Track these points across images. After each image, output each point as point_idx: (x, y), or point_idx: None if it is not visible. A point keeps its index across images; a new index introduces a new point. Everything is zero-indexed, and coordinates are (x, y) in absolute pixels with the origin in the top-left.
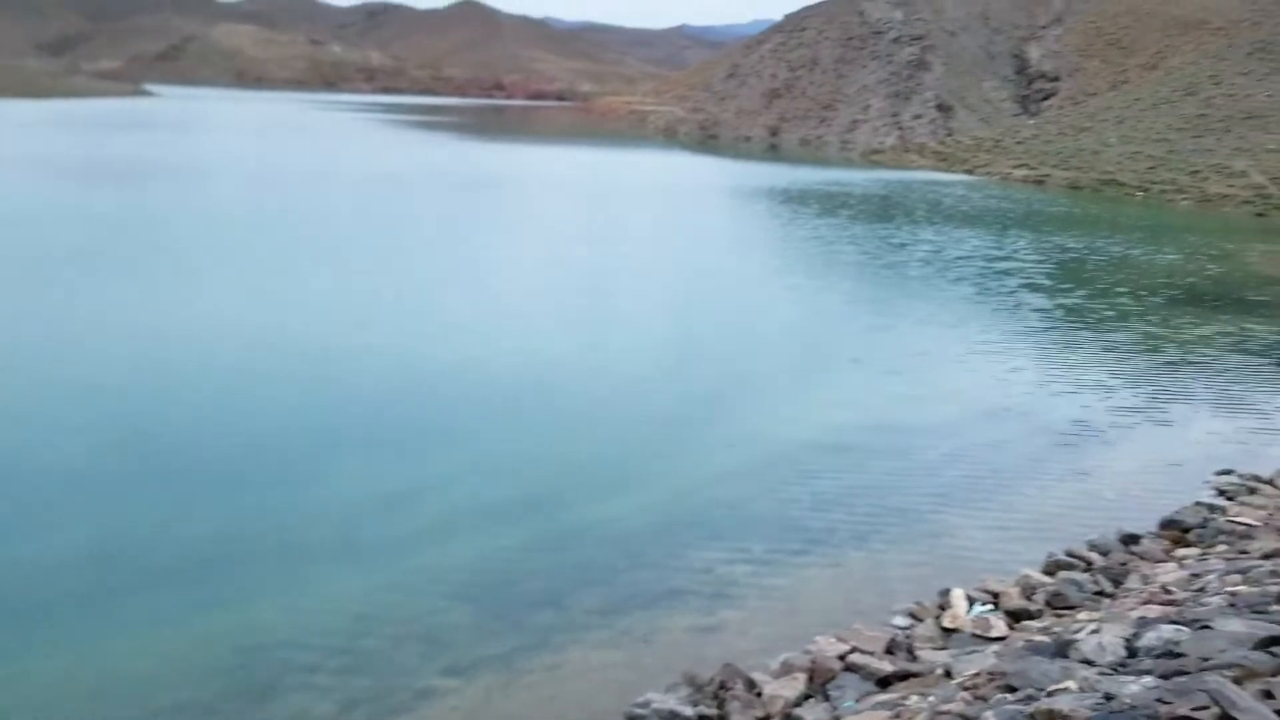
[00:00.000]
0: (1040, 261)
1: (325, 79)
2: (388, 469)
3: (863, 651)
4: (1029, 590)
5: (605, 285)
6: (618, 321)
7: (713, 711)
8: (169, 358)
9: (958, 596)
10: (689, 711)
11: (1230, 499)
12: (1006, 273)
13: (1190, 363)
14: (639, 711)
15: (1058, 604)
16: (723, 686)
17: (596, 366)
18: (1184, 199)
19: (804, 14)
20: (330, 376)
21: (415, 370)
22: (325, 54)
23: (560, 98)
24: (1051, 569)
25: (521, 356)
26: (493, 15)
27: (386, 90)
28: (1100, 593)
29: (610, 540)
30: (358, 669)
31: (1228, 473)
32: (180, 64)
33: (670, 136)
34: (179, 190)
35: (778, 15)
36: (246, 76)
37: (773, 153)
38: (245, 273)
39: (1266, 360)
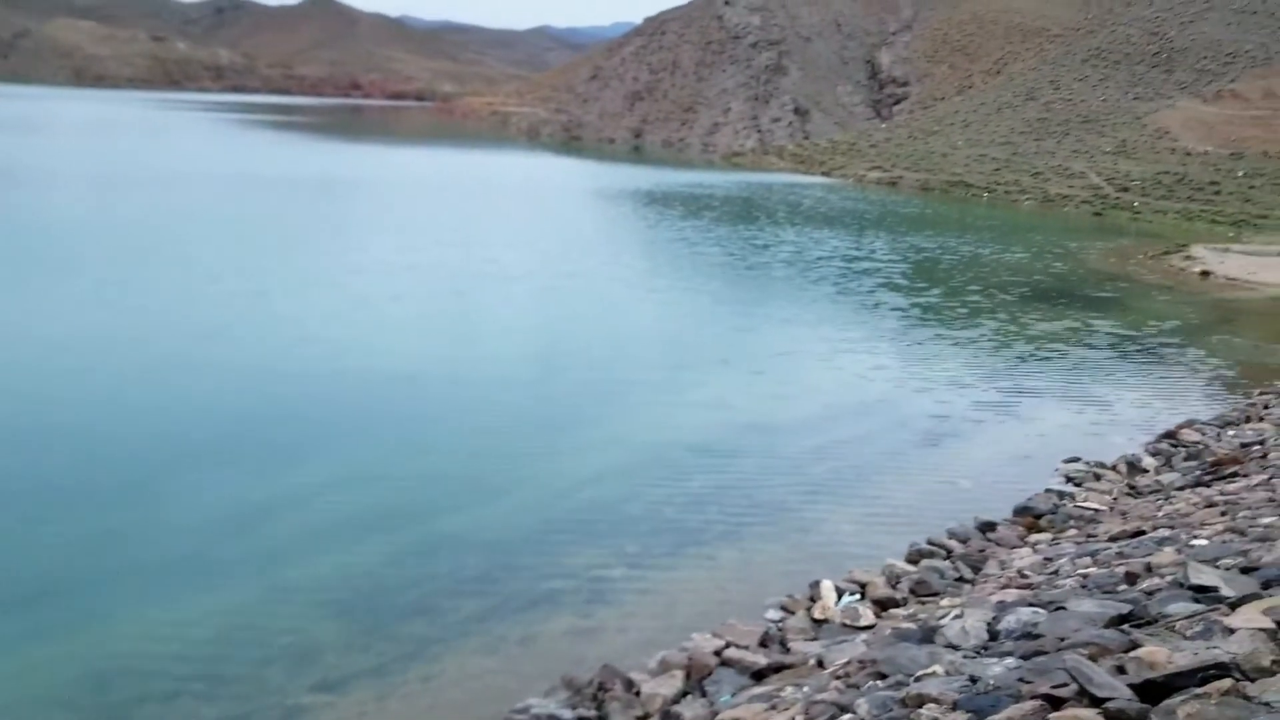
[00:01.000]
0: (896, 261)
1: (170, 77)
2: (246, 482)
3: (737, 646)
4: (894, 579)
5: (469, 289)
6: (483, 326)
7: (592, 713)
8: (7, 375)
9: (827, 588)
10: (568, 714)
11: (1078, 485)
12: (865, 272)
13: (1039, 357)
14: (518, 717)
15: (922, 592)
16: (601, 688)
17: (462, 372)
18: (1027, 199)
19: (664, 18)
20: (179, 388)
21: (271, 380)
22: (170, 51)
23: (420, 98)
24: (914, 558)
25: (384, 364)
26: (347, 12)
27: (236, 89)
28: (961, 579)
29: (483, 546)
30: (222, 690)
31: (1075, 460)
32: (11, 61)
33: (534, 138)
34: None
35: (639, 18)
36: (85, 75)
37: (636, 154)
38: (79, 281)
39: (1109, 353)
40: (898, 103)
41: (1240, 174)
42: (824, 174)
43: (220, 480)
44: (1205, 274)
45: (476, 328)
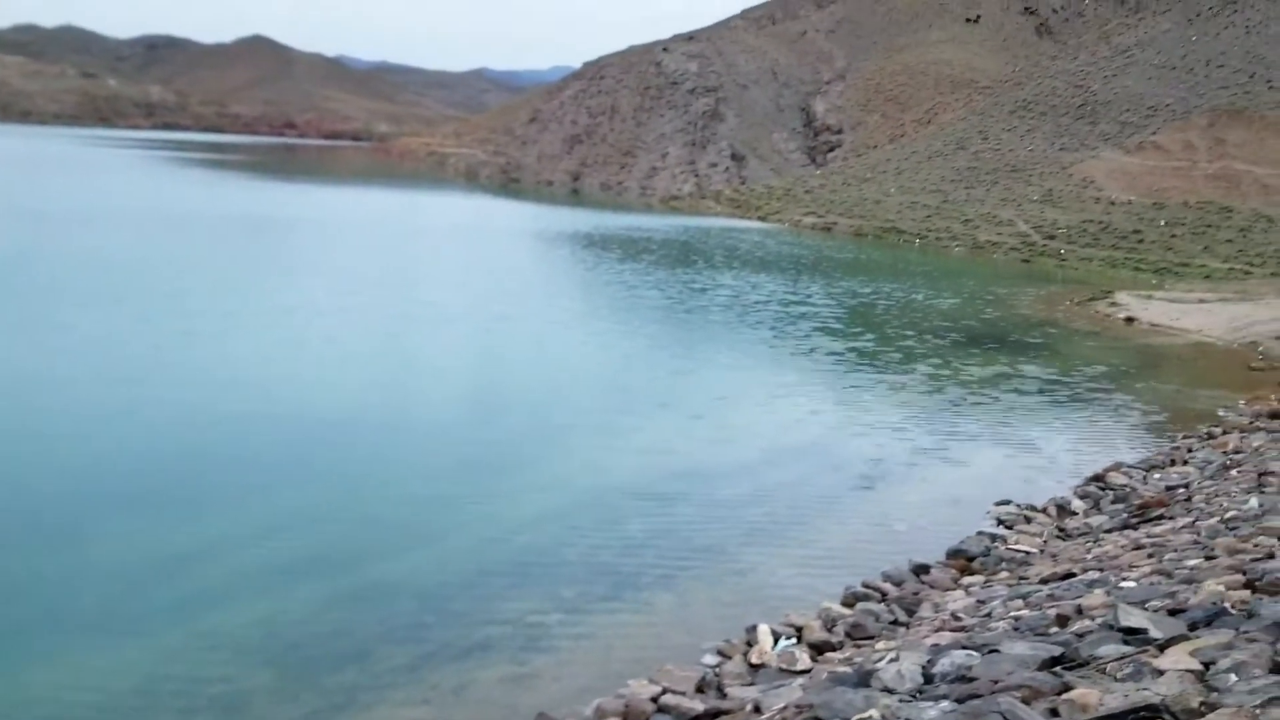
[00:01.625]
0: (832, 306)
1: (99, 114)
2: (172, 527)
3: (674, 692)
4: (830, 623)
5: (403, 331)
6: (417, 369)
7: None
8: None
9: (763, 632)
10: None
11: (1009, 528)
12: (802, 317)
13: (971, 401)
14: None
15: (857, 635)
16: None
17: (395, 415)
18: (958, 245)
19: (603, 63)
20: (101, 431)
21: (198, 423)
22: (100, 87)
23: (356, 138)
24: (850, 601)
25: (315, 406)
26: (284, 52)
27: (168, 127)
28: (896, 622)
29: (415, 593)
30: None
31: (1006, 503)
32: None
33: (471, 179)
34: None
35: (577, 63)
36: (11, 111)
37: (575, 197)
38: None
39: (1038, 397)
40: (832, 150)
41: (1162, 223)
42: (760, 219)
43: (144, 525)
44: (1130, 320)
45: (410, 370)
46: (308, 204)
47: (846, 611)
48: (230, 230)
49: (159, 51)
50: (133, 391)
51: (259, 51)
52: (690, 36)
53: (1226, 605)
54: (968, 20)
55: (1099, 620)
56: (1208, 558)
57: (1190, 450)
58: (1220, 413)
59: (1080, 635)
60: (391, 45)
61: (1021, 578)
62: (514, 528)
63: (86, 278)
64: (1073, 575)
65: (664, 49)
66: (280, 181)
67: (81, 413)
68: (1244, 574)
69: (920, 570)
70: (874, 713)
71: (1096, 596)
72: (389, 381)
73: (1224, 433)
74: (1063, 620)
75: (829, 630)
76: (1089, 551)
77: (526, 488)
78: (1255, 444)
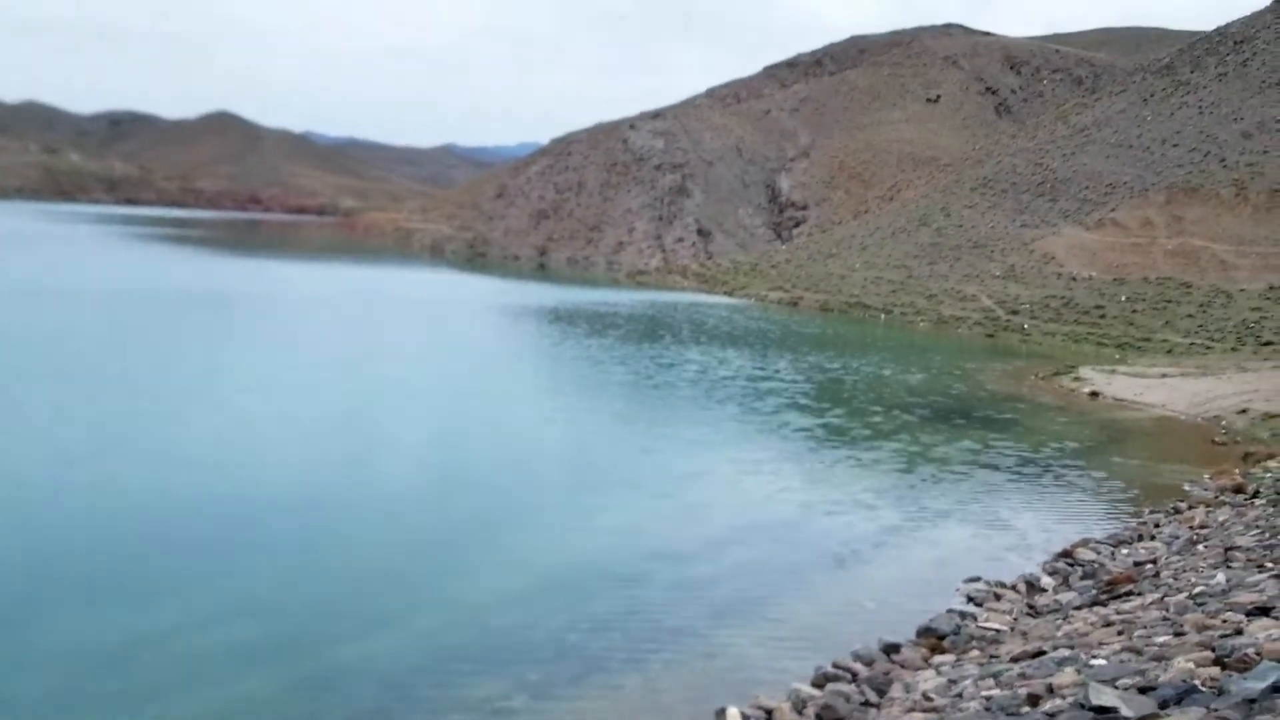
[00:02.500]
0: (800, 381)
1: (61, 189)
2: (118, 616)
3: None
4: (800, 704)
5: (365, 409)
6: (378, 448)
7: None
8: None
9: (733, 715)
10: None
11: (979, 605)
12: (770, 392)
13: (939, 477)
14: None
15: (828, 717)
16: None
17: (357, 496)
18: (923, 320)
19: (570, 139)
20: (49, 515)
21: (151, 506)
22: (62, 162)
23: (322, 212)
24: (820, 681)
25: (273, 488)
26: (250, 128)
27: (130, 202)
28: (867, 703)
29: (378, 677)
30: None
31: (976, 580)
32: None
33: (437, 254)
34: None
35: (544, 139)
36: None
37: (542, 272)
38: None
39: (1006, 473)
40: (797, 225)
41: (1123, 298)
42: (727, 293)
43: (92, 612)
44: (1094, 395)
45: (372, 449)
46: (269, 279)
47: (816, 693)
48: (189, 306)
49: (123, 127)
50: (82, 473)
51: (225, 127)
52: (657, 114)
53: (1197, 683)
54: (929, 100)
55: (1070, 699)
56: (1177, 634)
57: (1157, 525)
58: (1186, 487)
59: (1052, 715)
60: (359, 121)
61: (992, 656)
62: (479, 609)
63: (33, 357)
64: (1043, 653)
65: (631, 126)
66: (242, 256)
67: (24, 497)
68: (1213, 650)
69: (891, 649)
70: None
71: (1067, 675)
72: (350, 460)
73: (1190, 507)
74: (1034, 699)
75: (799, 712)
76: (1059, 629)
77: (491, 568)
78: (1220, 518)
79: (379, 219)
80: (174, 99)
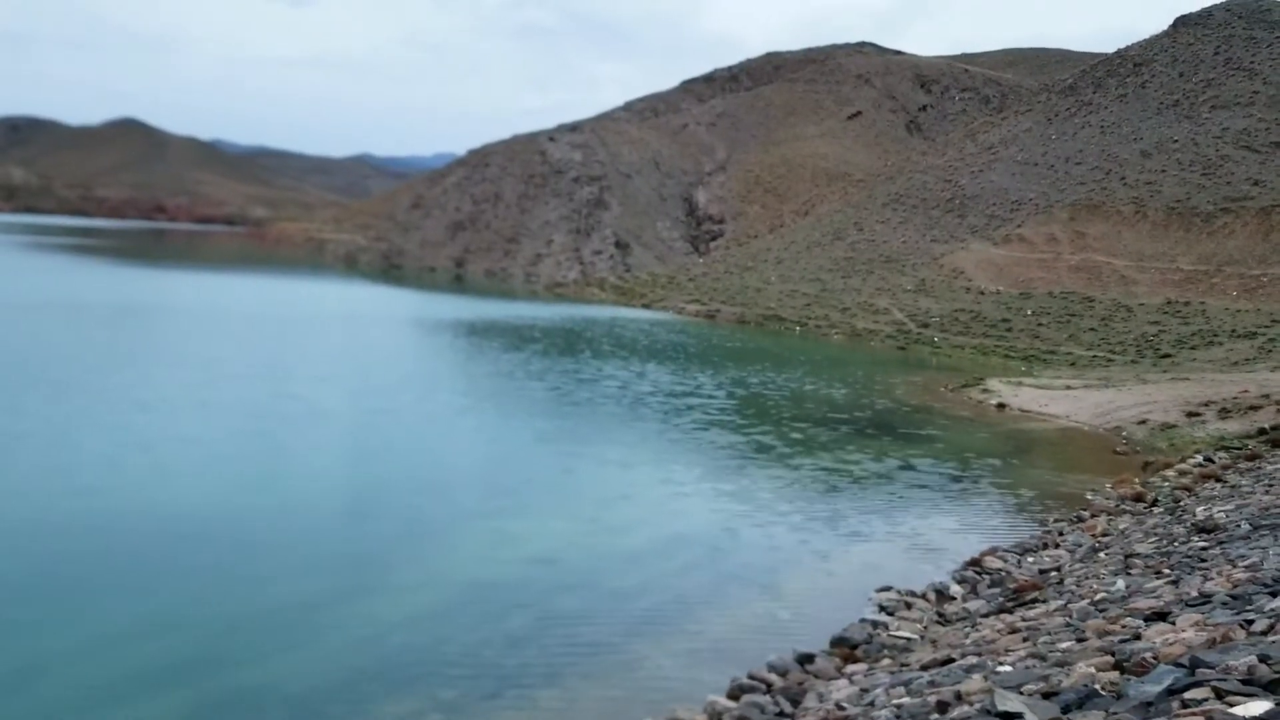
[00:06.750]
0: (721, 396)
1: None
2: (20, 638)
3: None
4: (716, 716)
5: (271, 428)
6: (286, 467)
7: None
8: None
9: None
10: None
11: (891, 614)
12: (690, 407)
13: (852, 488)
14: None
15: None
16: None
17: (263, 517)
18: (837, 333)
19: (487, 150)
20: None
21: (43, 532)
22: None
23: (230, 222)
24: (735, 693)
25: (173, 510)
26: (156, 135)
27: (29, 210)
28: (781, 714)
29: (288, 698)
30: None
31: (887, 589)
32: None
33: (350, 265)
34: None
35: (461, 150)
36: None
37: (458, 284)
38: None
39: (917, 483)
40: (714, 239)
41: (1029, 312)
42: (645, 306)
43: None
44: (1001, 406)
45: (278, 469)
46: (172, 291)
47: (731, 705)
48: (87, 320)
49: (22, 133)
50: None
51: (129, 134)
52: (574, 127)
53: (1097, 687)
54: (849, 117)
55: (978, 705)
56: (1079, 640)
57: (1061, 534)
58: (1089, 496)
59: None
60: (271, 130)
61: (903, 664)
62: (390, 627)
63: None
64: (952, 660)
65: (549, 138)
66: (145, 267)
67: None
68: (1113, 655)
69: (805, 660)
70: None
71: (975, 682)
72: (257, 480)
73: (1092, 516)
74: (943, 707)
75: None
76: (967, 636)
77: (403, 587)
78: (1121, 526)
79: (290, 229)
80: (76, 104)
